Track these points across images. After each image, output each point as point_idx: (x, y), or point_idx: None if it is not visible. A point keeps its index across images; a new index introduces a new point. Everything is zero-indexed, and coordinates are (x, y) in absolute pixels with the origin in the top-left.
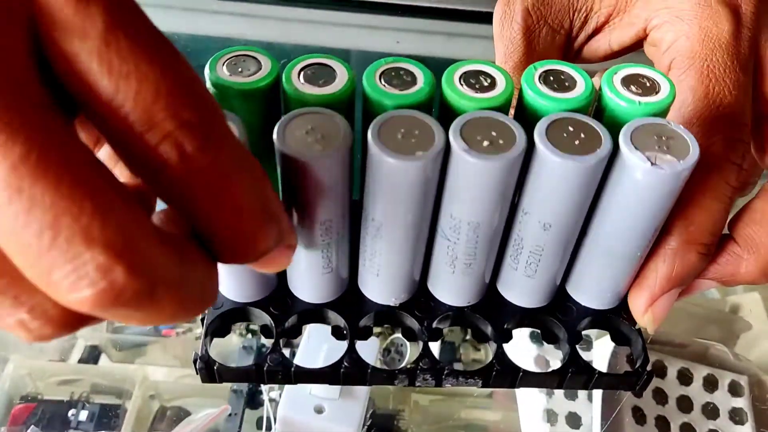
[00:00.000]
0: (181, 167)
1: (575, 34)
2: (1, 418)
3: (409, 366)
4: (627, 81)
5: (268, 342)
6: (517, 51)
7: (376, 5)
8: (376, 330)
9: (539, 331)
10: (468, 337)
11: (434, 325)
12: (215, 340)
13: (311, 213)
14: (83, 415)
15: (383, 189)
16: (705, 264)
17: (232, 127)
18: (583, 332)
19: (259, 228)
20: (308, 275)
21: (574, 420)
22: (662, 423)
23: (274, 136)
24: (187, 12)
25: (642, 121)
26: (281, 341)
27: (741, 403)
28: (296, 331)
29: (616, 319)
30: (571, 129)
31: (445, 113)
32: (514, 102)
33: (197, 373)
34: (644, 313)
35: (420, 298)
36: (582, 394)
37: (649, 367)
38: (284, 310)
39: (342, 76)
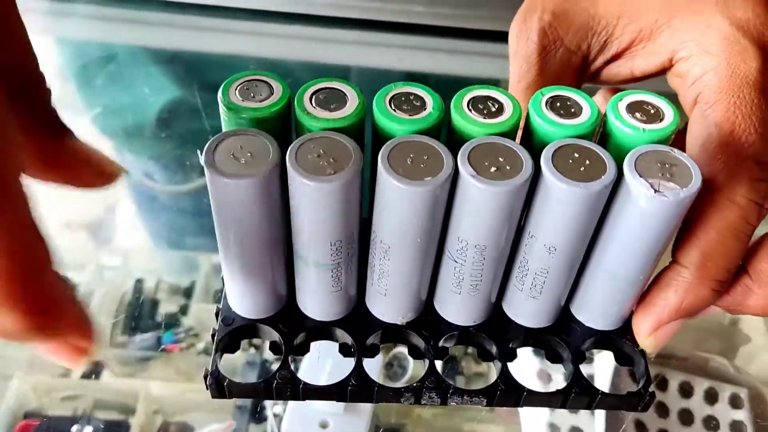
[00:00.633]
0: None
1: (593, 57)
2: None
3: (415, 384)
4: (632, 108)
5: (270, 356)
6: (531, 70)
7: (380, 24)
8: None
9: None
10: (470, 350)
11: (440, 344)
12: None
13: (322, 234)
14: (88, 430)
15: (392, 212)
16: (717, 299)
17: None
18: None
19: None
20: (317, 293)
21: None
22: None
23: (287, 158)
24: (192, 30)
25: (646, 149)
26: (289, 358)
27: (741, 415)
28: (305, 348)
29: (619, 340)
30: (576, 155)
31: (454, 138)
32: (522, 123)
33: (207, 389)
34: (647, 336)
35: (427, 317)
36: None
37: (652, 388)
38: (293, 327)
39: (353, 100)
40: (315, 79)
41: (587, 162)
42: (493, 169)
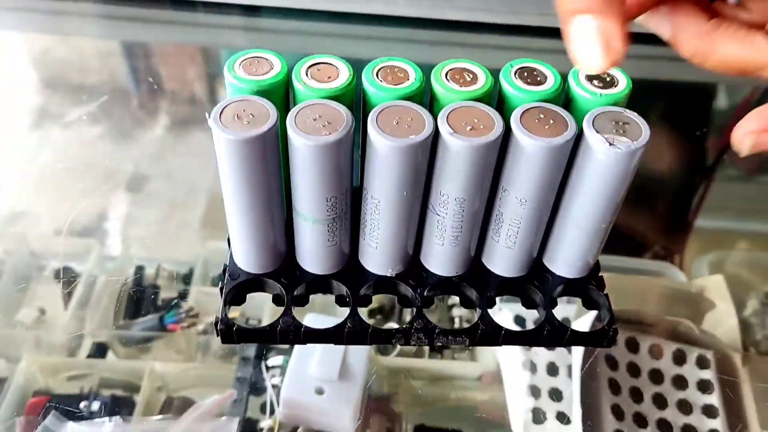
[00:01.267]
0: None
1: None
2: (15, 411)
3: (404, 326)
4: (590, 76)
5: None
6: None
7: (371, 17)
8: (371, 321)
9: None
10: (457, 325)
11: (426, 293)
12: None
13: (318, 190)
14: (95, 405)
15: (381, 169)
16: None
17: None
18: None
19: None
20: (315, 248)
21: (556, 394)
22: (636, 393)
23: (287, 122)
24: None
25: (602, 110)
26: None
27: (708, 374)
28: (304, 299)
29: (586, 286)
30: (541, 116)
31: (434, 104)
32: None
33: (217, 335)
34: (748, 134)
35: (413, 270)
36: (563, 370)
37: (615, 327)
38: (293, 280)
39: (344, 73)
40: (310, 56)
41: (551, 121)
42: (468, 128)
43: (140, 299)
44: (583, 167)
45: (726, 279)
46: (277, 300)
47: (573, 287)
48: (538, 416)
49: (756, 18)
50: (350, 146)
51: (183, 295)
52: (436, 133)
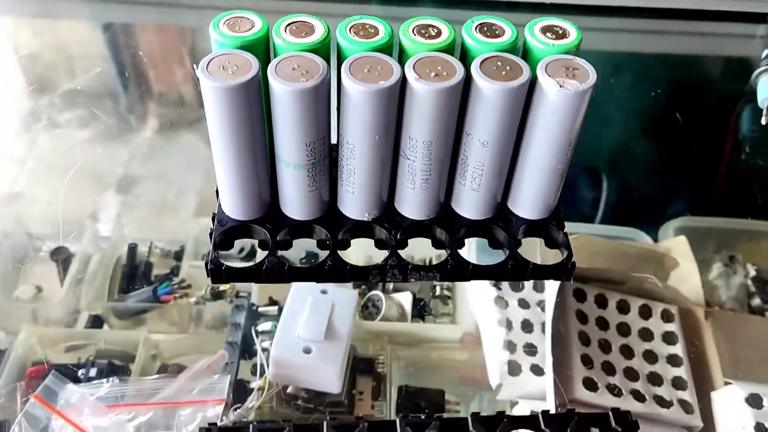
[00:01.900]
0: None
1: None
2: (15, 379)
3: (380, 263)
4: (544, 30)
5: None
6: None
7: None
8: (357, 289)
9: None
10: (437, 293)
11: (400, 235)
12: None
13: (298, 135)
14: (93, 372)
15: (354, 114)
16: None
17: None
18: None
19: None
20: (297, 194)
21: (530, 348)
22: (605, 345)
23: (268, 72)
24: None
25: (554, 57)
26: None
27: (672, 327)
28: (288, 244)
29: (547, 226)
30: (499, 64)
31: (402, 57)
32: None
33: (208, 275)
34: None
35: (388, 214)
36: (537, 327)
37: (573, 260)
38: (277, 225)
39: (320, 30)
40: (288, 15)
41: (508, 68)
42: (433, 74)
43: (134, 275)
44: (537, 110)
45: (689, 240)
46: (263, 245)
47: (535, 228)
48: (513, 369)
49: None
50: (326, 94)
51: (175, 271)
52: (404, 81)
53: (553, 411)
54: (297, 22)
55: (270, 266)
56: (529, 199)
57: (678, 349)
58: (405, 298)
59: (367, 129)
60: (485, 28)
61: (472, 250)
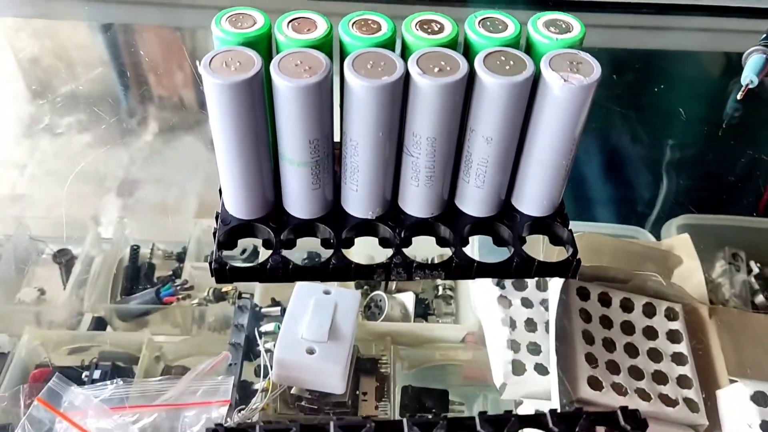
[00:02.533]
0: None
1: None
2: (19, 382)
3: (384, 261)
4: (548, 24)
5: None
6: None
7: None
8: (359, 289)
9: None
10: (440, 293)
11: (404, 233)
12: None
13: (302, 132)
14: (96, 374)
15: (357, 110)
16: None
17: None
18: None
19: None
20: (300, 192)
21: (534, 347)
22: (609, 343)
23: (271, 68)
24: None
25: (558, 51)
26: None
27: (677, 325)
28: (292, 243)
29: (551, 224)
30: (502, 58)
31: (405, 52)
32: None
33: (212, 275)
34: None
35: (392, 212)
36: (541, 326)
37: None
38: (281, 224)
39: (322, 26)
40: (291, 11)
41: (512, 63)
42: (436, 69)
43: (137, 277)
44: (541, 105)
45: (692, 237)
46: (267, 244)
47: (540, 225)
48: (517, 368)
49: None
50: (329, 90)
51: (177, 272)
52: (407, 77)
53: (559, 410)
54: (299, 18)
55: (274, 265)
56: (534, 196)
57: (683, 347)
58: (408, 298)
59: (370, 125)
60: (488, 23)
61: (474, 249)
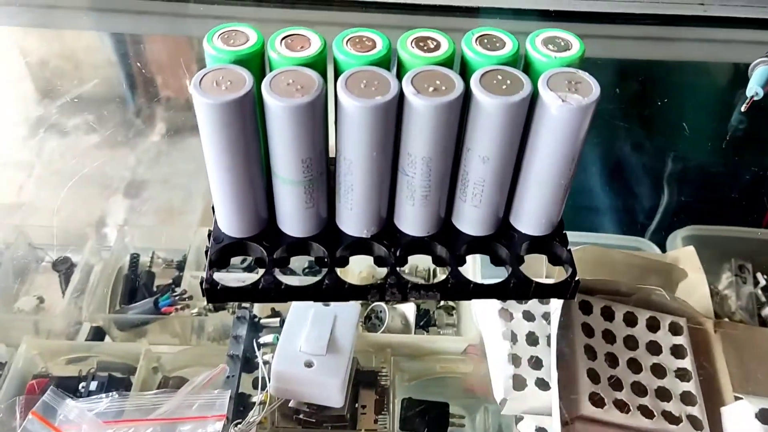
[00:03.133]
0: None
1: None
2: (15, 393)
3: (378, 282)
4: (546, 41)
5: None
6: None
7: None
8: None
9: None
10: (441, 304)
11: (399, 252)
12: None
13: (294, 152)
14: (93, 385)
15: (351, 130)
16: None
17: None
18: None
19: None
20: (294, 211)
21: (535, 362)
22: (612, 358)
23: (263, 87)
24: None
25: (556, 70)
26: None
27: (681, 340)
28: (285, 261)
29: (550, 243)
30: (499, 77)
31: (400, 70)
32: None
33: (203, 295)
34: None
35: (387, 231)
36: (542, 340)
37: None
38: (274, 243)
39: (316, 43)
40: (284, 28)
41: (508, 82)
42: (431, 89)
43: (136, 286)
44: (539, 125)
45: (697, 250)
46: (259, 263)
47: (538, 244)
48: (518, 383)
49: None
50: (322, 109)
51: (177, 281)
52: (401, 96)
53: (558, 428)
54: (293, 35)
55: (266, 285)
56: (532, 215)
57: (687, 363)
58: (408, 309)
59: (364, 145)
60: (485, 41)
61: (477, 267)
